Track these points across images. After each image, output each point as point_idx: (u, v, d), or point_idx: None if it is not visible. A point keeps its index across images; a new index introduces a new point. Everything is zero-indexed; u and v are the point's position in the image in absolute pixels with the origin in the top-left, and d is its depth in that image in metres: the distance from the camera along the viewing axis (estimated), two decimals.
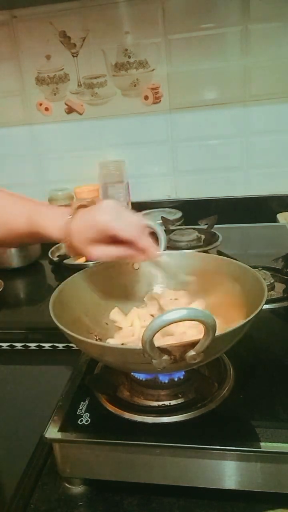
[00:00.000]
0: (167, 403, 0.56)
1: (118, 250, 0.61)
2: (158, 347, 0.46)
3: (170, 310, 0.44)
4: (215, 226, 1.23)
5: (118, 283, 0.71)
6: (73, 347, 0.83)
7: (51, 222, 0.62)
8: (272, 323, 0.79)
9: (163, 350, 0.47)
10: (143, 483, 0.53)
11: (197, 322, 0.44)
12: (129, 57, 1.35)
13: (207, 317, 0.44)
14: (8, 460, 0.60)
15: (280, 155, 1.37)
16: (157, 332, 0.44)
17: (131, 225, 0.60)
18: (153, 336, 0.44)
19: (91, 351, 0.55)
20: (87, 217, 0.60)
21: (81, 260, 1.19)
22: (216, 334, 0.46)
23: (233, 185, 1.43)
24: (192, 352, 0.47)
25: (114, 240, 0.60)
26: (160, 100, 1.38)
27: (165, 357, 0.47)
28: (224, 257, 0.71)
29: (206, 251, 1.12)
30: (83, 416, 0.55)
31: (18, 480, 0.55)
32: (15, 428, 0.67)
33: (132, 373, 0.59)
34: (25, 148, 1.50)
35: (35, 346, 0.88)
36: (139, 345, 0.45)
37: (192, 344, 0.47)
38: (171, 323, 0.44)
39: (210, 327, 0.44)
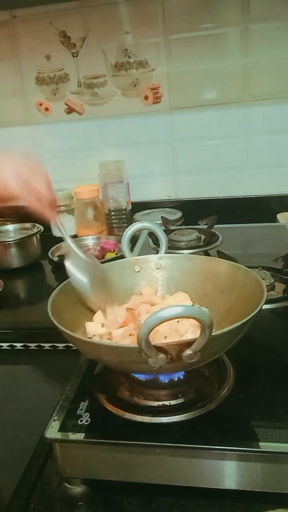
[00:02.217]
0: (167, 403, 0.56)
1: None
2: (154, 346, 0.46)
3: (166, 307, 0.44)
4: (215, 226, 1.23)
5: (118, 285, 0.71)
6: (73, 347, 0.83)
7: None
8: (272, 323, 0.79)
9: (159, 349, 0.47)
10: (143, 483, 0.53)
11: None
12: (129, 57, 1.35)
13: (203, 315, 0.44)
14: (8, 460, 0.60)
15: (280, 155, 1.37)
16: (152, 329, 0.44)
17: (37, 194, 0.59)
18: (149, 333, 0.44)
19: (87, 349, 0.55)
20: None
21: None
22: (213, 334, 0.45)
23: (233, 185, 1.43)
24: (188, 351, 0.47)
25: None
26: (160, 100, 1.38)
27: (161, 356, 0.47)
28: (223, 259, 0.71)
29: (206, 251, 1.12)
30: (83, 416, 0.55)
31: (18, 480, 0.55)
32: (15, 428, 0.67)
33: (132, 374, 0.59)
34: (25, 148, 1.50)
35: (35, 346, 0.88)
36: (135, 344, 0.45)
37: (189, 343, 0.47)
38: (167, 320, 0.44)
39: (206, 325, 0.44)
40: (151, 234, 1.18)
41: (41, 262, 1.25)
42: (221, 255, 1.02)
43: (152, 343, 0.45)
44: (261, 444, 0.49)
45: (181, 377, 0.57)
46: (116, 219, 1.39)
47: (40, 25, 1.35)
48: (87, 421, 0.54)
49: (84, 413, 0.55)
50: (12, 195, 0.57)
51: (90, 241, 1.30)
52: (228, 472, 0.50)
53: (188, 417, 0.54)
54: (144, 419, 0.54)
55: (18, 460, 0.59)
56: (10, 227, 1.31)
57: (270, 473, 0.49)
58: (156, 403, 0.56)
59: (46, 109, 1.45)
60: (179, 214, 1.39)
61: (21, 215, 0.87)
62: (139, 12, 1.29)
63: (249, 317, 0.51)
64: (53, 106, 1.44)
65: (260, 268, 0.92)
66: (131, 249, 0.81)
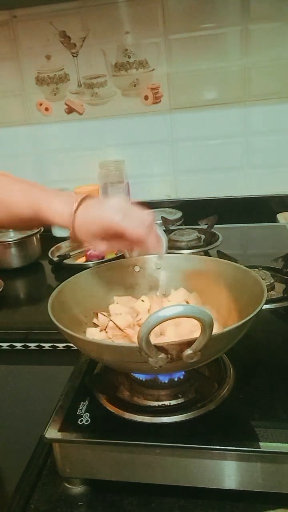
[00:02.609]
0: (167, 403, 0.56)
1: (121, 245, 0.62)
2: (155, 345, 0.46)
3: (167, 306, 0.44)
4: (215, 226, 1.23)
5: (118, 285, 0.71)
6: (73, 347, 0.83)
7: (56, 211, 0.61)
8: (272, 323, 0.79)
9: (159, 348, 0.47)
10: (143, 483, 0.53)
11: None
12: (129, 57, 1.35)
13: (204, 315, 0.44)
14: (8, 460, 0.60)
15: (280, 155, 1.38)
16: (153, 328, 0.44)
17: (140, 223, 0.59)
18: (149, 333, 0.44)
19: (88, 349, 0.55)
20: (94, 211, 0.60)
21: (81, 260, 1.20)
22: (214, 333, 0.45)
23: (233, 185, 1.43)
24: (189, 351, 0.47)
25: (119, 236, 0.59)
26: (160, 100, 1.38)
27: (162, 355, 0.47)
28: (223, 260, 0.71)
29: (206, 251, 1.12)
30: (83, 416, 0.55)
31: (18, 480, 0.55)
32: (15, 428, 0.67)
33: (132, 373, 0.59)
34: (25, 148, 1.50)
35: (35, 346, 0.88)
36: (136, 343, 0.45)
37: (189, 343, 0.47)
38: (167, 320, 0.44)
39: (206, 325, 0.44)
40: None
41: (41, 262, 1.25)
42: (221, 255, 1.02)
43: (153, 343, 0.45)
44: (261, 444, 0.49)
45: (181, 377, 0.57)
46: None
47: (40, 25, 1.35)
48: (87, 421, 0.54)
49: (84, 413, 0.55)
50: (117, 227, 0.58)
51: None
52: (228, 472, 0.50)
53: (188, 417, 0.54)
54: (144, 419, 0.54)
55: (18, 460, 0.59)
56: None
57: (270, 473, 0.49)
58: (156, 403, 0.56)
59: (46, 109, 1.45)
60: (179, 214, 1.39)
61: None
62: (139, 12, 1.29)
63: (249, 317, 0.51)
64: (53, 106, 1.44)
65: (260, 268, 0.92)
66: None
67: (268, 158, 1.38)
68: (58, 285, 0.64)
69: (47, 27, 1.35)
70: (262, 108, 1.33)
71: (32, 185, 0.65)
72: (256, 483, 0.50)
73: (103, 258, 1.17)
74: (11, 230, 1.30)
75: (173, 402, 0.56)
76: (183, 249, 1.14)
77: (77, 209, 0.60)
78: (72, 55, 1.38)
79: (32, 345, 0.88)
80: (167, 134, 1.41)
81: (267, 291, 0.77)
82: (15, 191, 0.64)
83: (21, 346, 0.89)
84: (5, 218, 0.64)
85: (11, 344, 0.89)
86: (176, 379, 0.57)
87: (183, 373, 0.57)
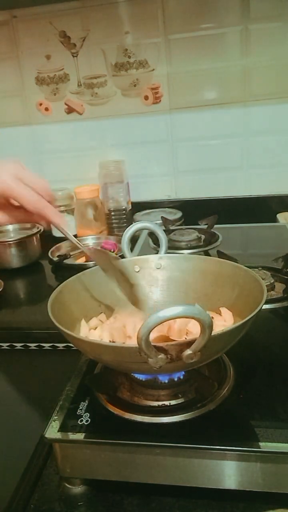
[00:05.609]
0: (167, 403, 0.56)
1: (21, 215, 0.58)
2: (154, 345, 0.46)
3: (166, 307, 0.44)
4: (215, 226, 1.23)
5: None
6: (73, 347, 0.83)
7: None
8: (272, 323, 0.79)
9: (159, 349, 0.46)
10: (143, 483, 0.53)
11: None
12: (129, 57, 1.35)
13: (203, 315, 0.44)
14: (8, 460, 0.60)
15: (280, 155, 1.38)
16: (152, 329, 0.44)
17: (33, 193, 0.56)
18: (149, 333, 0.44)
19: (87, 349, 0.55)
20: None
21: (81, 260, 1.20)
22: (213, 333, 0.45)
23: (233, 185, 1.43)
24: (188, 351, 0.47)
25: (16, 206, 0.57)
26: (160, 100, 1.38)
27: (161, 355, 0.47)
28: (223, 259, 0.71)
29: (206, 251, 1.12)
30: (83, 416, 0.55)
31: (18, 480, 0.55)
32: (15, 428, 0.67)
33: (132, 373, 0.59)
34: (25, 148, 1.50)
35: (35, 346, 0.88)
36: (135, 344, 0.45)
37: (189, 343, 0.47)
38: (167, 320, 0.44)
39: (206, 325, 0.44)
40: (151, 234, 1.19)
41: (41, 262, 1.25)
42: (221, 255, 1.02)
43: (152, 343, 0.45)
44: (261, 444, 0.49)
45: (181, 377, 0.57)
46: (116, 219, 1.39)
47: (40, 25, 1.35)
48: (87, 421, 0.54)
49: (84, 413, 0.55)
50: (11, 195, 0.56)
51: (90, 241, 1.30)
52: (228, 472, 0.50)
53: (188, 417, 0.54)
54: (144, 419, 0.54)
55: (18, 460, 0.59)
56: (10, 227, 1.31)
57: (270, 473, 0.49)
58: (156, 403, 0.56)
59: (46, 109, 1.45)
60: (179, 214, 1.39)
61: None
62: (139, 12, 1.29)
63: (249, 317, 0.51)
64: (53, 106, 1.44)
65: (260, 268, 0.92)
66: (131, 249, 0.81)
67: (268, 158, 1.38)
68: (58, 285, 0.64)
69: (47, 27, 1.35)
70: (262, 108, 1.33)
71: None
72: (256, 483, 0.50)
73: None
74: (11, 228, 1.30)
75: (173, 402, 0.56)
76: (183, 249, 1.14)
77: None
78: (72, 55, 1.38)
79: (32, 345, 0.88)
80: (167, 134, 1.41)
81: (267, 291, 0.77)
82: None
83: (21, 346, 0.89)
84: None
85: (11, 344, 0.89)
86: (176, 379, 0.57)
87: (183, 373, 0.57)
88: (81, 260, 1.20)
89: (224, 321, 0.63)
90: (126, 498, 0.52)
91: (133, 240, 0.88)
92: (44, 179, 0.60)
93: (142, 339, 0.44)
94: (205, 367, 0.61)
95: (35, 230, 1.24)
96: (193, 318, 0.44)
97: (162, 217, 1.32)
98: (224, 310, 0.64)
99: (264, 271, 0.91)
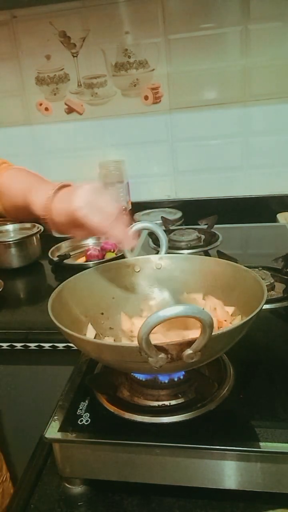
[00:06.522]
0: (167, 403, 0.56)
1: (90, 234, 0.62)
2: (155, 345, 0.46)
3: (167, 306, 0.44)
4: (215, 226, 1.23)
5: (118, 285, 0.71)
6: (73, 347, 0.83)
7: (38, 198, 0.62)
8: (272, 323, 0.79)
9: (159, 348, 0.46)
10: (143, 483, 0.53)
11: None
12: (129, 57, 1.35)
13: (204, 315, 0.44)
14: (8, 460, 0.60)
15: (280, 155, 1.37)
16: (153, 328, 0.44)
17: (102, 213, 0.59)
18: (149, 332, 0.44)
19: (88, 349, 0.55)
20: (65, 199, 0.60)
21: (81, 260, 1.20)
22: (214, 333, 0.45)
23: (233, 185, 1.43)
24: (189, 351, 0.47)
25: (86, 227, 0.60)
26: (160, 100, 1.38)
27: (162, 355, 0.47)
28: (223, 259, 0.71)
29: (206, 251, 1.12)
30: (83, 416, 0.55)
31: (18, 480, 0.55)
32: (15, 428, 0.67)
33: (132, 373, 0.59)
34: (25, 148, 1.50)
35: (35, 346, 0.88)
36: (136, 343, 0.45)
37: (189, 343, 0.47)
38: (167, 320, 0.44)
39: (206, 325, 0.44)
40: (151, 234, 1.19)
41: (41, 262, 1.25)
42: (221, 255, 1.02)
43: (153, 343, 0.45)
44: (261, 444, 0.49)
45: (181, 377, 0.57)
46: None
47: (40, 25, 1.35)
48: (87, 421, 0.54)
49: (84, 413, 0.55)
50: (80, 217, 0.58)
51: (90, 241, 1.30)
52: (228, 472, 0.50)
53: (188, 417, 0.54)
54: (144, 419, 0.54)
55: (18, 460, 0.59)
56: (10, 227, 1.31)
57: (270, 473, 0.49)
58: (156, 403, 0.56)
59: (46, 109, 1.45)
60: (179, 214, 1.39)
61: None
62: (139, 12, 1.29)
63: (249, 317, 0.51)
64: (53, 106, 1.44)
65: (260, 268, 0.92)
66: (131, 249, 0.81)
67: (268, 158, 1.38)
68: (58, 285, 0.64)
69: (47, 27, 1.35)
70: (262, 108, 1.33)
71: (30, 173, 0.66)
72: (256, 483, 0.50)
73: (103, 258, 1.17)
74: (11, 228, 1.30)
75: (173, 402, 0.56)
76: (183, 249, 1.14)
77: (51, 200, 0.60)
78: (72, 55, 1.38)
79: (32, 345, 0.89)
80: (167, 134, 1.41)
81: (267, 291, 0.77)
82: (17, 181, 0.65)
83: (21, 346, 0.89)
84: (6, 204, 0.65)
85: (11, 344, 0.89)
86: (176, 379, 0.57)
87: (183, 373, 0.57)
88: (81, 260, 1.20)
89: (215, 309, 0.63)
90: (126, 498, 0.52)
91: None
92: (115, 203, 0.63)
93: (143, 338, 0.44)
94: (205, 367, 0.61)
95: (35, 230, 1.24)
96: (193, 317, 0.44)
97: (162, 217, 1.32)
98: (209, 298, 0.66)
99: (264, 271, 0.91)
